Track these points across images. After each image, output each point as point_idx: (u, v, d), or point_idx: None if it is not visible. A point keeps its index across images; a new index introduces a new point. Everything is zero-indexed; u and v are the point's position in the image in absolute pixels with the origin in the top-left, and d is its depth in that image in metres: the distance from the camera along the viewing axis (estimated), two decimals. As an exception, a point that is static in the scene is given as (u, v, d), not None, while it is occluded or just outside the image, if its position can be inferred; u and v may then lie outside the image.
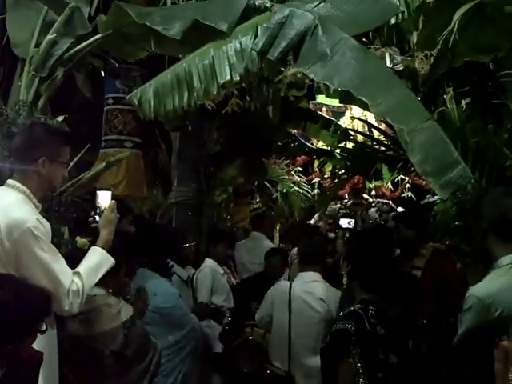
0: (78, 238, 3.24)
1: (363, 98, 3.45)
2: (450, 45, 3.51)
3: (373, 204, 8.42)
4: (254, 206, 8.39)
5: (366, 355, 3.02)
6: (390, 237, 4.51)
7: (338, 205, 8.30)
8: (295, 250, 6.92)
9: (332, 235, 8.04)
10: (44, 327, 2.41)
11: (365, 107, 4.31)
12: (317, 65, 3.68)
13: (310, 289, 4.47)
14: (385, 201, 8.58)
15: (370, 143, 5.47)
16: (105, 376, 3.10)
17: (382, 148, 4.97)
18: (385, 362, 3.11)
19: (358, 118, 7.79)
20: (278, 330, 4.53)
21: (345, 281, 4.17)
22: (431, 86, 4.96)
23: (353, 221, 7.61)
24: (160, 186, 8.30)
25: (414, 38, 4.67)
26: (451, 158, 3.34)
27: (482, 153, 3.49)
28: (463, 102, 4.57)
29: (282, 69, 5.32)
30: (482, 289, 2.68)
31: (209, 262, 5.45)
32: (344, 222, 7.74)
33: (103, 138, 6.30)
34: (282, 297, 4.51)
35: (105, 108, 6.29)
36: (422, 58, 5.37)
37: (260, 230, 7.42)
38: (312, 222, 8.57)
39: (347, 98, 5.29)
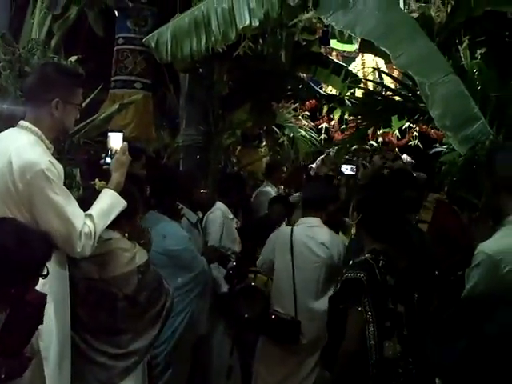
0: (96, 181, 3.23)
1: (385, 49, 3.41)
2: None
3: (376, 152, 8.29)
4: (262, 151, 8.33)
5: (376, 304, 3.07)
6: (401, 186, 4.48)
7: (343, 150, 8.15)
8: (296, 194, 6.94)
9: (335, 181, 7.68)
10: (46, 271, 2.42)
11: (386, 58, 4.25)
12: (338, 13, 3.63)
13: (311, 233, 4.49)
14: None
15: (382, 92, 5.40)
16: (118, 319, 3.12)
17: (396, 97, 4.90)
18: (393, 311, 3.16)
19: (381, 70, 7.58)
20: (280, 274, 4.56)
21: (353, 230, 4.18)
22: (447, 35, 4.87)
23: (355, 167, 7.52)
24: (167, 128, 8.23)
25: (436, -14, 4.55)
26: (471, 112, 3.33)
27: (501, 108, 3.46)
28: (478, 52, 4.50)
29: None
30: (492, 245, 2.66)
31: (219, 205, 5.45)
32: (346, 168, 7.63)
33: (112, 79, 6.18)
34: (284, 241, 4.53)
35: (115, 48, 6.18)
36: (438, 6, 5.24)
37: (272, 179, 7.40)
38: (314, 166, 8.47)
39: (366, 46, 5.19)
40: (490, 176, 2.85)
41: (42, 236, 2.51)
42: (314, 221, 4.56)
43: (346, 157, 8.14)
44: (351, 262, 3.47)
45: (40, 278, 2.44)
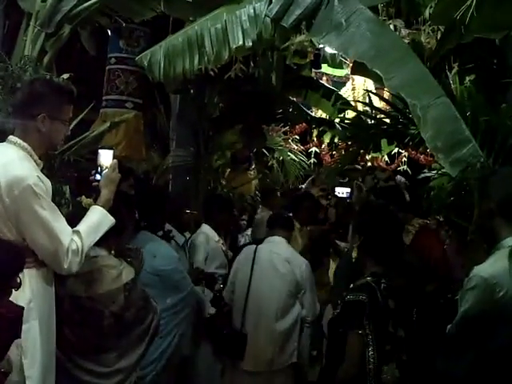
0: (83, 198, 3.20)
1: (377, 71, 3.44)
2: (466, 21, 3.47)
3: (369, 171, 8.22)
4: (251, 173, 8.33)
5: (377, 328, 3.03)
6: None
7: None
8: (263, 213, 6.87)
9: (324, 202, 7.57)
10: (18, 282, 2.40)
11: (378, 80, 4.29)
12: (331, 35, 3.66)
13: (276, 249, 4.62)
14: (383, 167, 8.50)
15: (373, 114, 5.43)
16: (104, 336, 3.10)
17: (387, 120, 4.93)
18: (393, 335, 3.13)
19: (372, 91, 7.63)
20: (240, 290, 4.65)
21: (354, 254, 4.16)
22: (437, 61, 4.92)
23: (349, 189, 7.49)
24: (157, 148, 8.23)
25: (427, 11, 4.60)
26: (462, 135, 3.35)
27: (491, 132, 3.48)
28: (467, 79, 4.55)
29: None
30: (487, 269, 2.66)
31: (205, 228, 5.41)
32: (340, 191, 7.60)
33: (104, 98, 6.20)
34: (248, 258, 4.64)
35: (107, 67, 6.19)
36: (428, 32, 5.29)
37: (268, 205, 7.25)
38: (304, 186, 8.44)
39: (358, 69, 5.24)
40: (485, 200, 2.86)
41: (13, 247, 2.49)
42: (279, 239, 4.69)
43: (340, 180, 8.15)
44: (351, 285, 3.42)
45: (13, 290, 2.41)
